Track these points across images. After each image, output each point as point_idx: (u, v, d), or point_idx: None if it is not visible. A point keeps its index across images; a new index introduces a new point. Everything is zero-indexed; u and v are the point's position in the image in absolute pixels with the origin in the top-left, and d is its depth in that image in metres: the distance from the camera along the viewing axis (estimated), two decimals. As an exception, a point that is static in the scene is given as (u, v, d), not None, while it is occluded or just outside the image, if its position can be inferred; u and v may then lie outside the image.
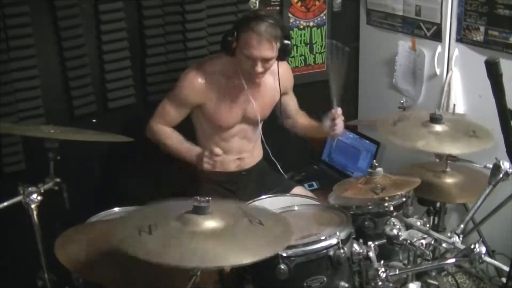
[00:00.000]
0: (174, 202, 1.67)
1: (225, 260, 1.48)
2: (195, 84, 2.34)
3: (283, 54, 2.32)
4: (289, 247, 1.76)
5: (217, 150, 2.24)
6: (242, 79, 2.36)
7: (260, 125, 2.58)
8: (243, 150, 2.52)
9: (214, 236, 1.50)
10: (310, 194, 2.51)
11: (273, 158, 2.61)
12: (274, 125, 2.69)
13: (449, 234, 1.75)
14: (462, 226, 1.78)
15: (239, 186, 2.48)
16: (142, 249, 1.44)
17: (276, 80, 2.45)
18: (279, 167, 2.61)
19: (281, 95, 2.50)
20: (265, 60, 2.24)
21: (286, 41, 2.29)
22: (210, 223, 1.53)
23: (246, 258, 1.47)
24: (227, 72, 2.36)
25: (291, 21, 3.11)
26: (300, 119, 2.66)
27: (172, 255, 1.42)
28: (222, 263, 1.53)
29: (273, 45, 2.22)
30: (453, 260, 1.71)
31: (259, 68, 2.25)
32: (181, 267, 1.41)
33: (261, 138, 2.61)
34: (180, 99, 2.38)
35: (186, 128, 2.47)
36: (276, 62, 2.37)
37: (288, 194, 2.35)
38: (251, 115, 2.44)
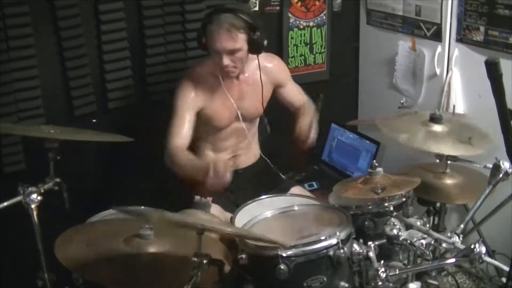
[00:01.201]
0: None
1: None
2: (191, 88, 2.33)
3: (254, 46, 2.23)
4: (289, 247, 1.76)
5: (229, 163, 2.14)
6: (221, 78, 2.33)
7: (256, 123, 2.57)
8: (238, 148, 2.51)
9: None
10: (308, 194, 2.51)
11: (263, 156, 2.60)
12: (274, 125, 2.69)
13: (449, 234, 1.75)
14: (462, 226, 1.78)
15: (236, 185, 2.48)
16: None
17: (267, 76, 2.43)
18: (271, 165, 2.60)
19: (274, 87, 2.49)
20: (230, 52, 2.19)
21: (255, 32, 2.20)
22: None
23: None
24: (216, 72, 2.35)
25: (291, 21, 3.11)
26: (298, 114, 2.52)
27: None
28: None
29: (233, 36, 2.16)
30: (453, 260, 1.71)
31: (225, 61, 2.20)
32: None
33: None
34: (182, 107, 2.32)
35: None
36: (257, 56, 2.33)
37: (287, 194, 2.35)
38: (245, 112, 2.43)
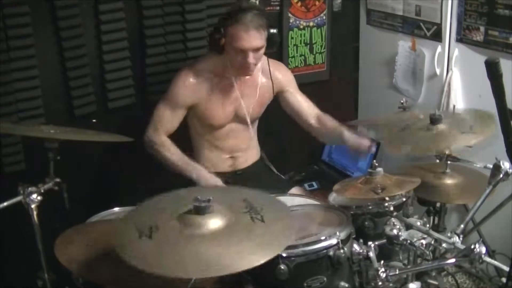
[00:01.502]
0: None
1: (222, 269, 1.44)
2: (186, 84, 2.35)
3: (271, 42, 2.31)
4: (289, 247, 1.75)
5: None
6: (232, 77, 2.36)
7: (255, 125, 2.58)
8: (236, 149, 2.52)
9: (213, 239, 1.49)
10: (308, 194, 2.52)
11: (267, 163, 2.61)
12: (274, 125, 2.69)
13: (449, 234, 1.74)
14: (462, 226, 1.77)
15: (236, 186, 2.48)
16: (139, 257, 1.44)
17: (267, 79, 2.45)
18: (273, 169, 2.62)
19: (277, 93, 2.50)
20: (256, 50, 2.24)
21: (272, 29, 2.29)
22: (210, 224, 1.52)
23: (240, 265, 1.44)
24: (217, 71, 2.36)
25: (291, 21, 3.11)
26: (323, 122, 2.52)
27: (168, 265, 1.40)
28: (218, 273, 1.49)
29: (261, 33, 2.22)
30: (453, 260, 1.71)
31: (251, 59, 2.24)
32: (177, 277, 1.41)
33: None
34: (174, 101, 2.37)
35: (179, 132, 2.47)
36: (267, 59, 2.39)
37: (287, 194, 2.35)
38: (242, 114, 2.44)
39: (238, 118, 2.45)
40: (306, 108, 2.53)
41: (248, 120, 2.46)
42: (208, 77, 2.36)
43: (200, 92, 2.36)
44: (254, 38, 2.20)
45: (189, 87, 2.35)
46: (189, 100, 2.37)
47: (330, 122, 2.50)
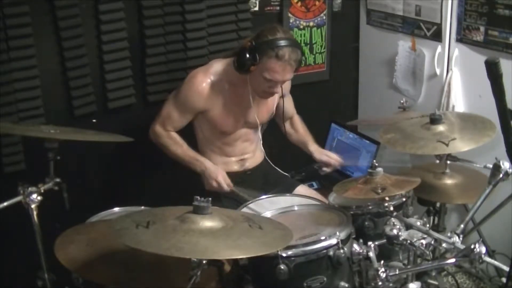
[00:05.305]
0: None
1: (216, 254, 1.48)
2: (200, 89, 2.34)
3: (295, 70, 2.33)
4: (289, 247, 1.75)
5: (228, 188, 2.33)
6: (245, 88, 2.36)
7: (260, 127, 2.59)
8: (246, 152, 2.54)
9: (210, 234, 1.50)
10: (313, 192, 2.53)
11: (271, 162, 2.62)
12: (274, 126, 2.69)
13: (449, 234, 1.75)
14: (462, 226, 1.78)
15: (245, 185, 2.48)
16: (135, 239, 1.46)
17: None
18: (277, 168, 2.63)
19: (280, 98, 2.52)
20: (285, 81, 2.31)
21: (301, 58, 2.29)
22: (208, 223, 1.53)
23: (237, 254, 1.47)
24: (231, 79, 2.35)
25: (291, 21, 3.11)
26: (296, 127, 2.74)
27: (163, 245, 1.42)
28: (212, 256, 1.53)
29: (293, 67, 2.25)
30: (453, 260, 1.71)
31: (278, 90, 2.30)
32: (170, 256, 1.43)
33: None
34: (185, 104, 2.37)
35: (185, 130, 2.47)
36: None
37: (287, 194, 2.35)
38: (253, 119, 2.45)
39: (248, 123, 2.47)
40: (289, 111, 2.65)
41: (259, 125, 2.49)
42: (222, 85, 2.36)
43: (213, 99, 2.35)
44: (288, 72, 2.24)
45: (202, 93, 2.34)
46: (199, 106, 2.37)
47: (301, 127, 2.74)
